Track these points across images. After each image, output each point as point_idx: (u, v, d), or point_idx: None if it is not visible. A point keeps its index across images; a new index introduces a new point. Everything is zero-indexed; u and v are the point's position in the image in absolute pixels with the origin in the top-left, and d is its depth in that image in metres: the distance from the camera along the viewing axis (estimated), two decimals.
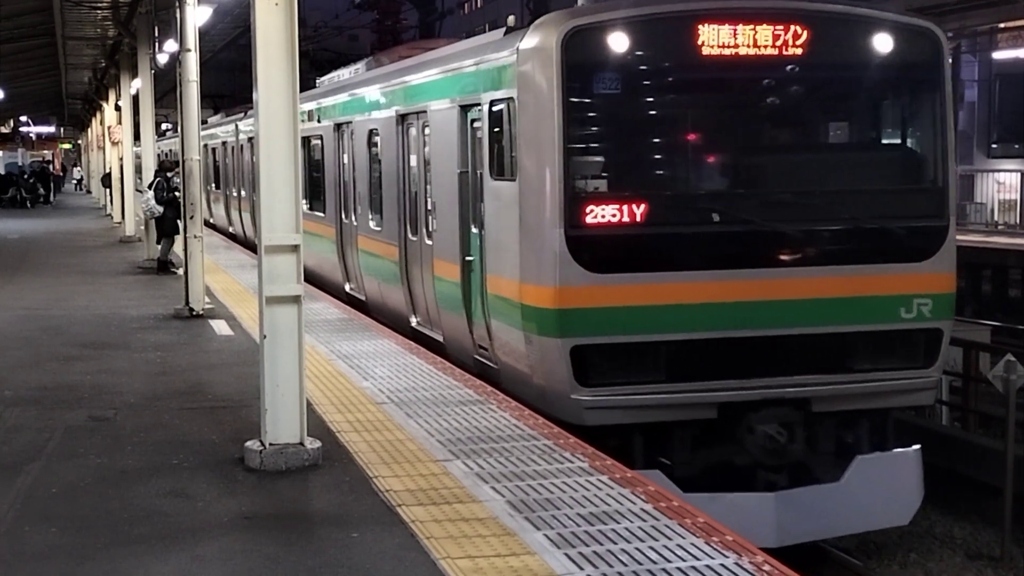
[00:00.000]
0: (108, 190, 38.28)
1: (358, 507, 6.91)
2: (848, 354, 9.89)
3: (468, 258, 11.23)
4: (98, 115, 42.80)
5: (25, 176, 51.21)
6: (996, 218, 27.76)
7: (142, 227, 23.80)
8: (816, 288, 9.75)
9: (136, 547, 6.29)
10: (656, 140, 10.32)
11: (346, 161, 16.62)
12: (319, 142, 18.24)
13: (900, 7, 11.81)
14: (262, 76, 7.71)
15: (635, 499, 6.90)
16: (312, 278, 18.06)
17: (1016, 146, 35.24)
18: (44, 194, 50.89)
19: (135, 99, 27.31)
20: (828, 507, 9.79)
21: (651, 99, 10.21)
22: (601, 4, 10.19)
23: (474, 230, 11.11)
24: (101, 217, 39.28)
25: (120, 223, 30.38)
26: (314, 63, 49.48)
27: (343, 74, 19.60)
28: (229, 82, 50.75)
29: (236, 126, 26.82)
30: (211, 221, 31.70)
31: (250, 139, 23.61)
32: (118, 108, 31.45)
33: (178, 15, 15.13)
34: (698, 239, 9.76)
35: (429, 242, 12.54)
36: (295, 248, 7.77)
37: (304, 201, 18.49)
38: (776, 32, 9.68)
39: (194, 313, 14.91)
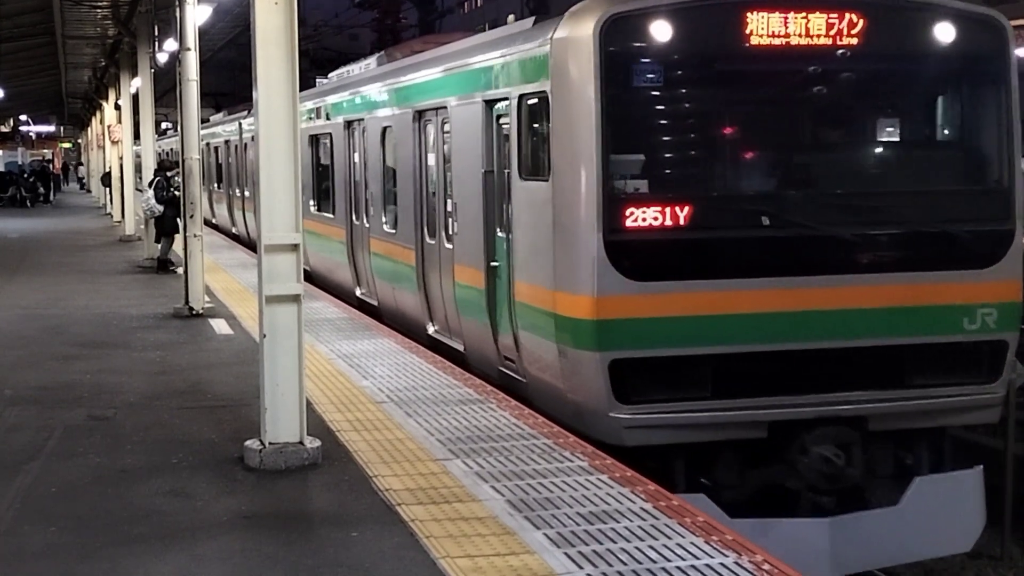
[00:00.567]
0: (108, 189, 38.28)
1: (357, 506, 6.91)
2: (907, 368, 9.19)
3: (493, 264, 10.57)
4: (98, 114, 42.82)
5: (25, 175, 51.20)
6: None
7: (142, 226, 23.80)
8: (873, 297, 9.05)
9: (135, 546, 6.29)
10: (701, 137, 9.61)
11: (357, 160, 16.02)
12: (328, 140, 17.61)
13: None
14: (262, 75, 7.70)
15: (635, 498, 6.90)
16: (320, 281, 17.90)
17: None
18: (44, 193, 50.91)
19: (135, 98, 27.31)
20: (886, 533, 9.06)
21: (696, 92, 9.44)
22: None
23: (500, 234, 10.46)
24: (101, 216, 39.29)
25: (120, 222, 30.39)
26: (314, 62, 49.54)
27: (353, 70, 19.01)
28: (229, 81, 50.80)
29: (239, 124, 26.48)
30: (214, 221, 31.50)
31: (254, 138, 23.40)
32: (118, 107, 31.46)
33: (178, 14, 15.15)
34: (746, 244, 9.11)
35: (449, 246, 11.85)
36: (295, 247, 7.77)
37: (312, 201, 18.34)
38: (830, 20, 8.99)
39: (194, 312, 14.91)
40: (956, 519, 9.38)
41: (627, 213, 8.68)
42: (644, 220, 8.71)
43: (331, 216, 17.28)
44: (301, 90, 8.07)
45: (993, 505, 10.02)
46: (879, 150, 10.00)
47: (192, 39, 14.94)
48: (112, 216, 35.05)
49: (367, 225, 15.28)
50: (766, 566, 5.79)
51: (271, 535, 6.45)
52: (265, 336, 7.76)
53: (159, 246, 20.89)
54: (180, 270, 16.46)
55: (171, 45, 21.95)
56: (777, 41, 8.93)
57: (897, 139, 9.94)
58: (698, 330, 8.76)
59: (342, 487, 7.30)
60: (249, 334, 13.00)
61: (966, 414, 9.48)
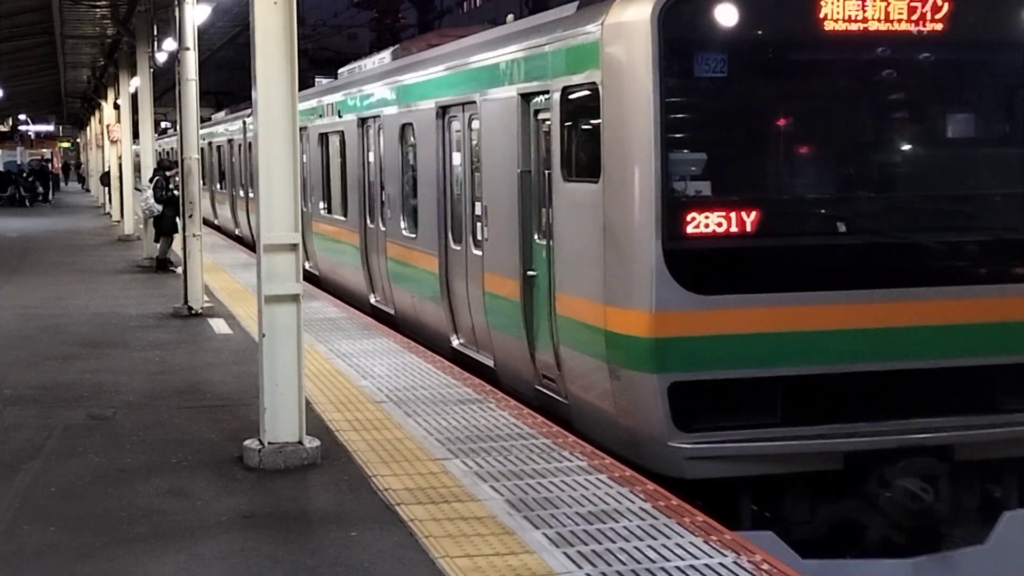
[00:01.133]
0: (107, 189, 38.27)
1: (357, 506, 6.91)
2: (998, 391, 8.28)
3: (530, 273, 9.70)
4: (97, 114, 42.80)
5: (24, 175, 51.20)
6: None
7: (141, 226, 23.80)
8: (961, 312, 8.15)
9: (135, 546, 6.29)
10: (769, 133, 8.65)
11: (372, 159, 15.16)
12: (339, 139, 16.79)
13: None
14: (261, 75, 7.70)
15: (634, 498, 6.91)
16: (331, 287, 17.36)
17: None
18: (43, 193, 50.91)
19: (134, 98, 27.30)
20: (974, 575, 8.10)
21: (763, 83, 8.49)
22: None
23: (538, 240, 9.58)
24: (100, 216, 39.27)
25: (119, 222, 30.39)
26: (313, 61, 49.58)
27: (366, 65, 18.10)
28: (228, 80, 50.75)
29: (244, 123, 25.85)
30: (216, 223, 31.09)
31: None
32: (117, 107, 31.44)
33: (177, 13, 15.15)
34: (819, 253, 8.25)
35: (477, 252, 10.95)
36: (294, 247, 7.77)
37: (322, 203, 17.84)
38: (912, 4, 8.05)
39: (193, 312, 14.91)
40: None
41: (688, 218, 7.83)
42: (707, 226, 7.85)
43: (343, 219, 16.48)
44: (300, 90, 8.05)
45: None
46: (968, 148, 9.04)
47: (191, 38, 14.94)
48: (111, 216, 35.05)
49: (383, 229, 14.42)
50: (765, 566, 5.79)
51: (270, 535, 6.45)
52: (264, 336, 7.76)
53: (158, 245, 20.90)
54: (179, 270, 16.46)
55: (170, 44, 21.95)
56: (854, 27, 8.03)
57: (989, 136, 9.09)
58: (766, 349, 7.92)
59: (341, 487, 7.30)
60: (248, 334, 13.00)
61: None
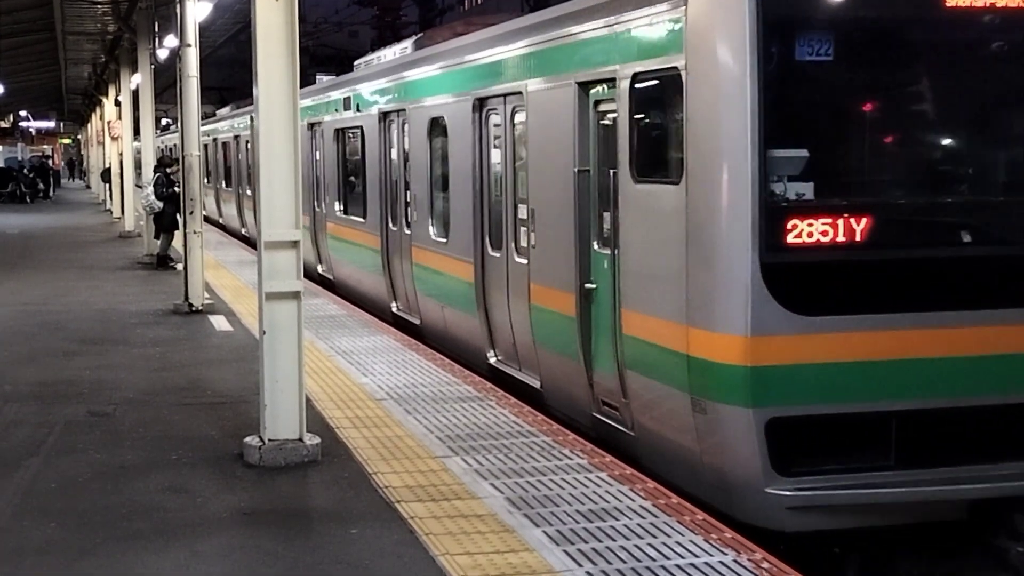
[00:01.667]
0: (107, 185, 38.29)
1: (357, 503, 6.92)
2: None
3: (588, 285, 8.62)
4: (98, 110, 42.83)
5: (25, 171, 51.22)
6: None
7: (141, 222, 23.80)
8: None
9: (135, 542, 6.29)
10: (882, 127, 7.49)
11: (395, 157, 14.11)
12: (357, 135, 15.76)
13: None
14: (262, 72, 7.71)
15: (634, 496, 6.90)
16: (346, 293, 16.44)
17: None
18: (43, 189, 50.94)
19: (135, 94, 27.30)
20: None
21: (876, 68, 7.26)
22: None
23: (598, 248, 8.55)
24: (100, 212, 39.27)
25: (119, 218, 30.39)
26: (314, 59, 49.57)
27: (386, 55, 16.70)
28: (229, 78, 50.79)
29: (251, 119, 25.27)
30: (221, 222, 30.77)
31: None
32: (118, 103, 31.45)
33: (178, 10, 15.15)
34: (943, 267, 7.12)
35: (521, 260, 9.95)
36: (295, 244, 7.77)
37: (337, 204, 17.02)
38: None
39: (193, 309, 14.91)
40: None
41: (789, 226, 6.80)
42: (810, 235, 6.82)
43: (361, 220, 15.42)
44: (301, 87, 8.03)
45: None
46: None
47: (192, 35, 14.95)
48: (112, 212, 35.06)
49: (408, 232, 13.31)
50: (765, 564, 5.79)
51: (271, 532, 6.45)
52: (265, 333, 7.77)
53: (159, 242, 20.90)
54: (180, 266, 16.46)
55: (171, 41, 21.96)
56: (980, 2, 6.99)
57: None
58: (879, 379, 6.88)
59: (341, 484, 7.30)
60: (249, 331, 13.00)
61: None
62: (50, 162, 63.19)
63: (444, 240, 12.05)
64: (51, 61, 34.36)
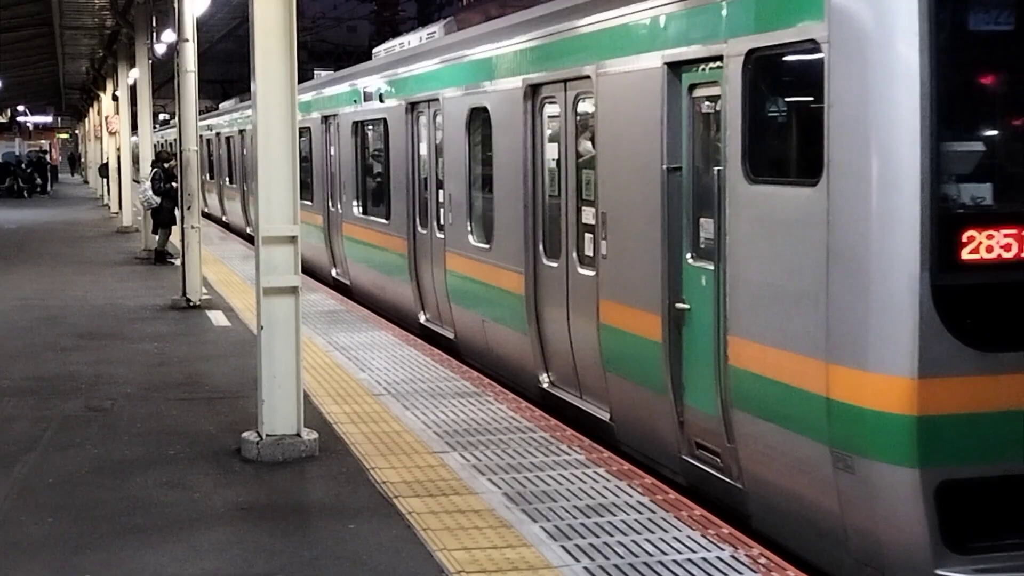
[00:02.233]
0: (105, 180, 38.27)
1: (355, 499, 6.92)
2: None
3: (680, 305, 7.41)
4: (96, 105, 42.77)
5: (22, 166, 51.20)
6: None
7: (139, 217, 23.79)
8: None
9: (132, 537, 6.29)
10: None
11: (424, 153, 13.00)
12: (378, 129, 14.65)
13: None
14: (260, 67, 7.70)
15: (632, 491, 6.91)
16: (366, 300, 15.54)
17: None
18: (41, 184, 50.92)
19: (133, 89, 27.28)
20: None
21: None
22: None
23: (693, 261, 7.32)
24: (98, 207, 39.26)
25: (117, 213, 30.39)
26: (312, 54, 49.52)
27: (410, 41, 15.24)
28: (227, 72, 50.71)
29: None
30: (224, 220, 30.48)
31: None
32: (116, 98, 31.39)
33: (176, 5, 15.16)
34: None
35: (586, 272, 8.77)
36: (293, 239, 7.77)
37: (355, 203, 15.98)
38: None
39: (191, 304, 14.91)
40: None
41: (966, 239, 5.50)
42: (990, 250, 5.51)
43: (384, 222, 14.24)
44: (299, 83, 8.02)
45: None
46: None
47: (190, 30, 14.95)
48: (109, 207, 35.06)
49: (441, 236, 12.07)
50: (762, 560, 5.80)
51: (268, 527, 6.45)
52: (263, 328, 7.77)
53: (156, 237, 20.90)
54: (177, 262, 16.46)
55: (169, 36, 21.94)
56: None
57: None
58: None
59: (339, 479, 7.30)
60: (246, 326, 13.00)
61: None
62: (47, 157, 63.09)
63: (486, 246, 10.81)
64: (49, 56, 34.35)
